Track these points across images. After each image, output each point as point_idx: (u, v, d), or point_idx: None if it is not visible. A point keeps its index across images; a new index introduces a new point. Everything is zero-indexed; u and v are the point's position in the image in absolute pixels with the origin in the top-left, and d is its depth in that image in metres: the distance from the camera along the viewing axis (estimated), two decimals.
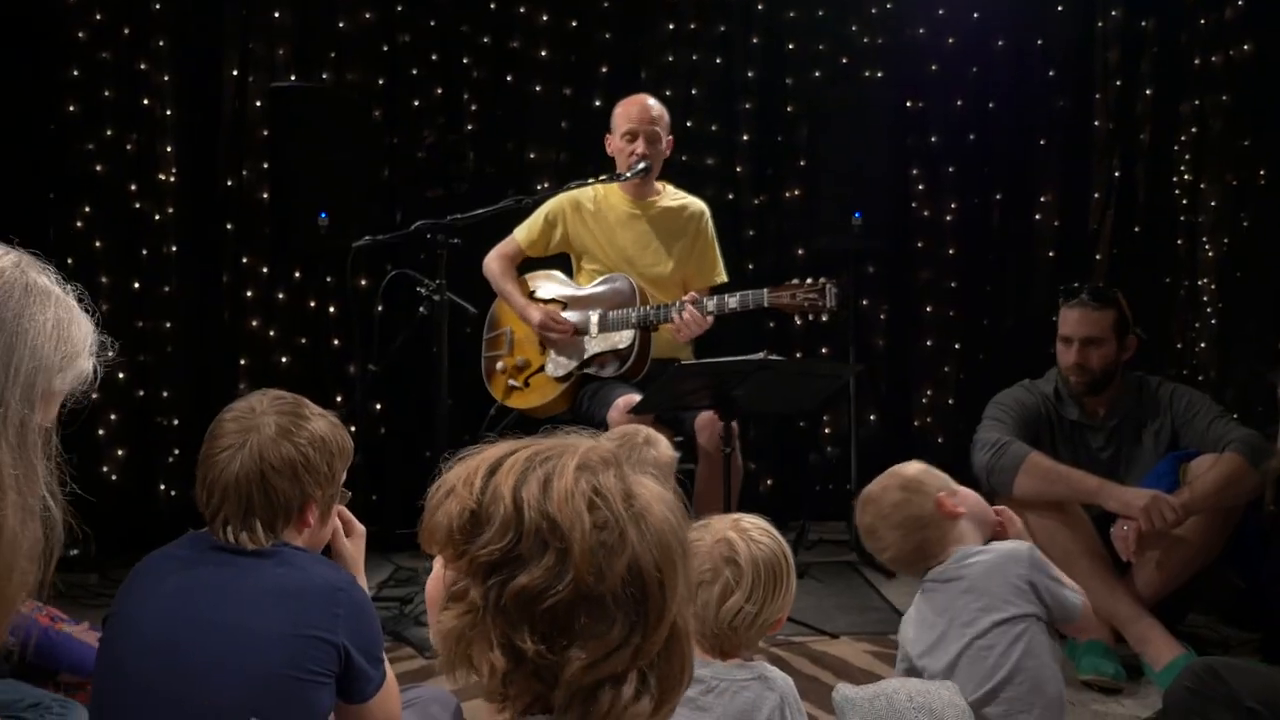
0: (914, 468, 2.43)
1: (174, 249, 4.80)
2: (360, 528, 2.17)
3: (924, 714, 1.81)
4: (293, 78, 4.85)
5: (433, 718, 2.08)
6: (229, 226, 4.87)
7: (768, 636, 2.06)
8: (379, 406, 4.99)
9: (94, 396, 1.45)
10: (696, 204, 4.10)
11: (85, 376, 1.42)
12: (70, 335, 1.40)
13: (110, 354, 1.47)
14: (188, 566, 1.82)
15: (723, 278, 4.09)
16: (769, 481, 5.25)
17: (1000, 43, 5.21)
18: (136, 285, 4.73)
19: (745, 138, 5.25)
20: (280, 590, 1.78)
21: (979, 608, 2.24)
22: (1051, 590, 2.29)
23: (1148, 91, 5.12)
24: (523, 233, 4.09)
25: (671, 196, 4.08)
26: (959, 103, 5.27)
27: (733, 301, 3.66)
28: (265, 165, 4.81)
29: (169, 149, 4.78)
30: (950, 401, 5.33)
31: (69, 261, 4.36)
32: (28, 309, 1.35)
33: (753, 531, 1.95)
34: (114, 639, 1.81)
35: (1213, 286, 4.87)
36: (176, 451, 4.77)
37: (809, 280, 3.56)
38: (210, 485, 1.84)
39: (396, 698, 1.95)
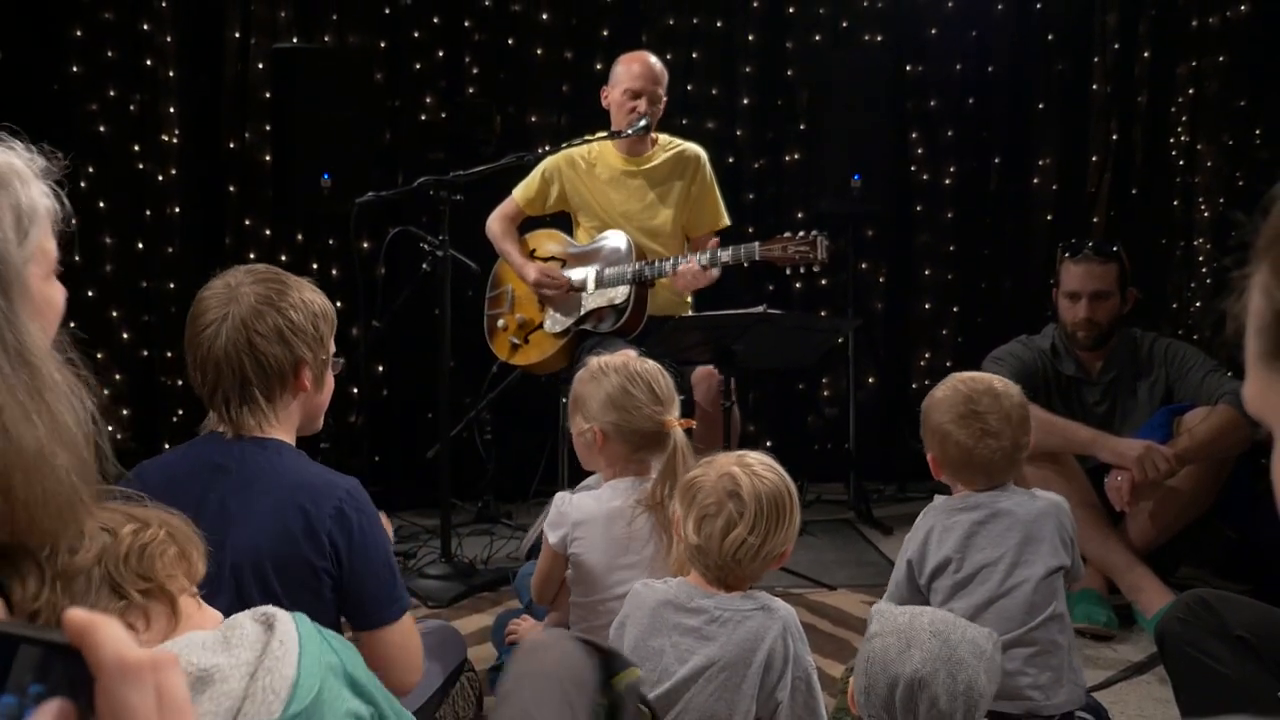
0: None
1: (177, 210, 4.82)
2: None
3: (936, 640, 1.85)
4: (295, 40, 4.86)
5: (443, 643, 2.12)
6: (231, 188, 4.89)
7: (771, 571, 2.11)
8: (381, 369, 5.03)
9: (74, 222, 1.26)
10: (692, 148, 4.09)
11: (45, 213, 1.24)
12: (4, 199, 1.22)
13: (64, 164, 1.26)
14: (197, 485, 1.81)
15: (725, 221, 4.08)
16: (768, 443, 5.29)
17: (999, 7, 5.23)
18: (140, 246, 4.76)
19: (745, 101, 5.27)
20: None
21: (1032, 552, 2.26)
22: (1075, 550, 2.34)
23: (1145, 54, 5.15)
24: (520, 191, 4.11)
25: (665, 147, 4.07)
26: (958, 67, 5.29)
27: (725, 255, 3.68)
28: (267, 127, 4.83)
29: (172, 110, 4.79)
30: (948, 364, 5.36)
31: (72, 222, 4.38)
32: None
33: (756, 466, 1.98)
34: None
35: (1208, 246, 4.91)
36: (181, 411, 4.81)
37: (800, 233, 3.59)
38: (202, 364, 1.83)
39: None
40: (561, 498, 2.40)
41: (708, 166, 4.09)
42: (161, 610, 1.22)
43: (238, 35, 4.84)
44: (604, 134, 3.94)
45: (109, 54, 4.71)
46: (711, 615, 1.95)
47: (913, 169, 5.31)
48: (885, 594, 2.44)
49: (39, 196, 1.25)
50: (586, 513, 2.34)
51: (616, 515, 2.31)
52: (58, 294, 1.36)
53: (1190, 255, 5.00)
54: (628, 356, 2.43)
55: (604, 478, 2.43)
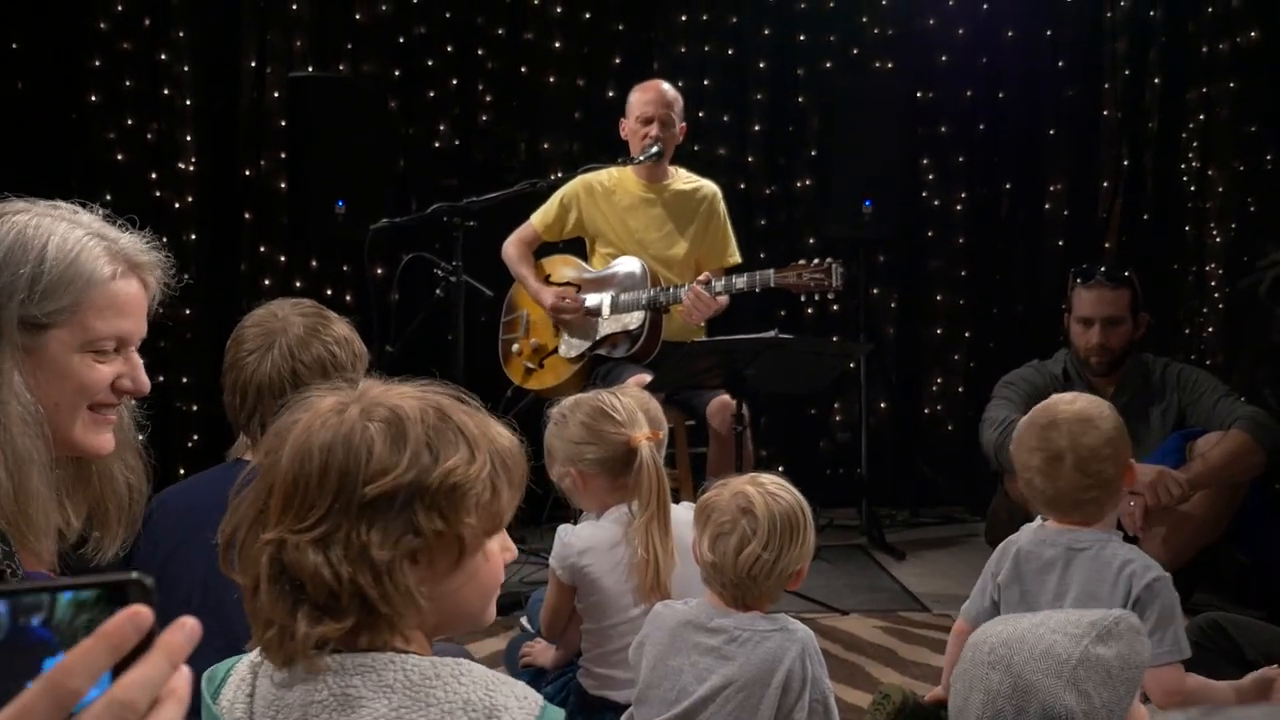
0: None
1: (193, 237, 4.86)
2: None
3: (997, 670, 1.52)
4: (310, 69, 4.92)
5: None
6: (247, 215, 4.93)
7: (783, 595, 2.10)
8: None
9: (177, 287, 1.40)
10: (709, 186, 4.15)
11: (102, 295, 1.32)
12: (29, 257, 1.30)
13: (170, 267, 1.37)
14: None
15: (736, 258, 4.14)
16: (780, 468, 5.28)
17: (1009, 33, 5.27)
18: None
19: (757, 128, 5.31)
20: None
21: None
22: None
23: (1156, 80, 5.17)
24: (539, 217, 4.15)
25: (684, 180, 4.14)
26: (968, 93, 5.32)
27: (740, 282, 3.71)
28: (283, 155, 4.89)
29: (188, 138, 4.84)
30: (960, 389, 5.38)
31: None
32: None
33: (770, 486, 1.99)
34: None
35: (1220, 271, 4.91)
36: (195, 437, 4.84)
37: (815, 260, 3.60)
38: (243, 388, 1.85)
39: None
40: (565, 529, 2.40)
41: (722, 204, 4.15)
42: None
43: (254, 64, 4.91)
44: (621, 160, 3.98)
45: (127, 83, 4.76)
46: (731, 635, 1.95)
47: (924, 194, 5.34)
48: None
49: (92, 274, 1.33)
50: (589, 541, 2.34)
51: (617, 541, 2.32)
52: (88, 371, 1.38)
53: (1202, 280, 5.00)
54: (581, 394, 2.42)
55: (596, 515, 2.43)
